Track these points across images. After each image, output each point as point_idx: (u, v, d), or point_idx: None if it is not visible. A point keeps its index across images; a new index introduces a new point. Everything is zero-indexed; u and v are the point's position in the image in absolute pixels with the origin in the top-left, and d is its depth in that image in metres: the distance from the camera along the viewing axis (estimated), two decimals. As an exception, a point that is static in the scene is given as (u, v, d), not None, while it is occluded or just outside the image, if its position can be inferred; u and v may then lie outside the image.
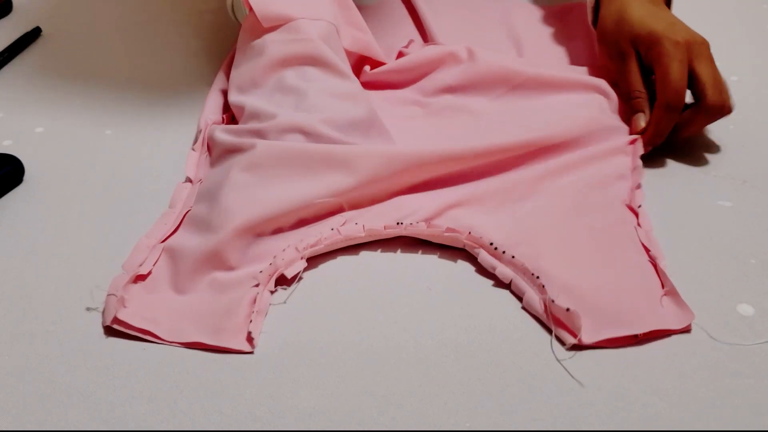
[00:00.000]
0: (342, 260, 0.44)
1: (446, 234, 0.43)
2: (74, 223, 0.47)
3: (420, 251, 0.44)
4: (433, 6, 0.69)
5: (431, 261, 0.44)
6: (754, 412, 0.34)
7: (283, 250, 0.42)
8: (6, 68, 0.67)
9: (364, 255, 0.44)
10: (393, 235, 0.44)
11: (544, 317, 0.39)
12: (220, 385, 0.36)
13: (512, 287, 0.41)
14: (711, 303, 0.40)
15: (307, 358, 0.38)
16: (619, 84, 0.55)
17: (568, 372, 0.36)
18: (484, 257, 0.42)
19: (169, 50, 0.68)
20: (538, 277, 0.40)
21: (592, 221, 0.45)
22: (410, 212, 0.45)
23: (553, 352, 0.37)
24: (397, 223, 0.44)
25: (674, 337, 0.38)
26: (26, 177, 0.52)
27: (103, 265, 0.44)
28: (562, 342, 0.38)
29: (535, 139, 0.49)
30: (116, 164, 0.52)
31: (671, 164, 0.52)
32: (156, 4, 0.77)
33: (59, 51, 0.69)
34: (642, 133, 0.52)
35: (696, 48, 0.51)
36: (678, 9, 0.60)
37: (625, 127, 0.53)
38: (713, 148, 0.54)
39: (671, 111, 0.50)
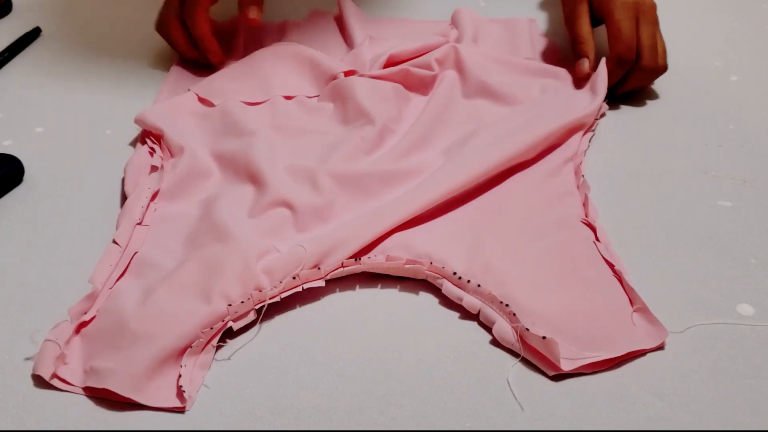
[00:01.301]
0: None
1: (407, 266, 0.41)
2: (74, 223, 0.47)
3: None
4: (367, 30, 0.66)
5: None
6: (754, 412, 0.34)
7: (241, 302, 0.38)
8: (6, 68, 0.67)
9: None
10: (351, 273, 0.42)
11: (516, 347, 0.37)
12: (221, 385, 0.36)
13: (480, 317, 0.39)
14: (711, 303, 0.40)
15: (307, 358, 0.38)
16: (567, 28, 0.60)
17: (515, 397, 0.36)
18: (449, 288, 0.40)
19: (169, 50, 0.68)
20: (507, 305, 0.38)
21: (549, 242, 0.43)
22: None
23: (508, 383, 0.36)
24: (355, 260, 0.41)
25: (674, 337, 0.38)
26: (26, 177, 0.52)
27: (103, 265, 0.44)
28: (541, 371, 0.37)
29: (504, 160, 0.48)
30: (116, 164, 0.52)
31: (671, 164, 0.52)
32: (156, 4, 0.77)
33: (59, 51, 0.69)
34: (586, 77, 0.57)
35: (643, 9, 0.56)
36: (678, 8, 0.60)
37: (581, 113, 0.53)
38: (713, 148, 0.54)
39: (621, 65, 0.55)
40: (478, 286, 0.40)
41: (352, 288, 0.42)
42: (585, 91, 0.56)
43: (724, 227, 0.46)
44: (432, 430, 0.34)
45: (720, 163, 0.52)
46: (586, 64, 0.57)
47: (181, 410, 0.35)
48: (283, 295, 0.40)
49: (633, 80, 0.57)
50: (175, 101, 0.56)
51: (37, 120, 0.58)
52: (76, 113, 0.59)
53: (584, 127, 0.53)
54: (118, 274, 0.42)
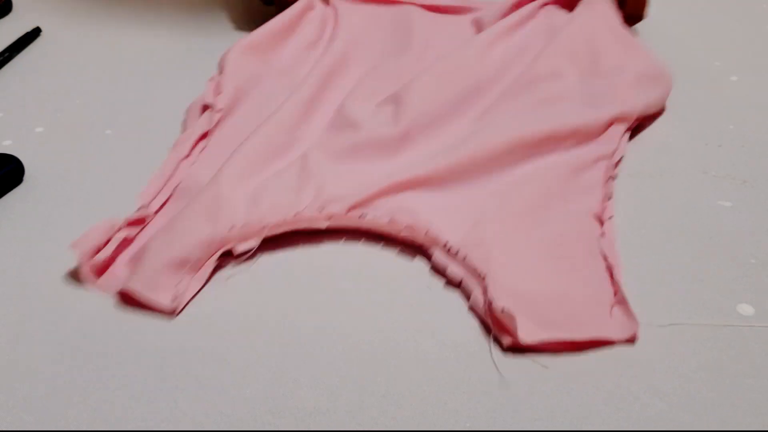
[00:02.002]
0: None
1: (405, 230, 0.44)
2: (74, 223, 0.47)
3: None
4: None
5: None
6: (754, 412, 0.34)
7: (242, 226, 0.42)
8: (6, 68, 0.67)
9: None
10: (354, 226, 0.45)
11: (486, 317, 0.39)
12: (220, 385, 0.36)
13: (462, 286, 0.41)
14: (711, 303, 0.40)
15: (307, 358, 0.38)
16: None
17: (499, 370, 0.36)
18: (438, 256, 0.43)
19: (169, 50, 0.68)
20: (483, 278, 0.40)
21: (551, 231, 0.44)
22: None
23: (492, 354, 0.37)
24: (359, 216, 0.44)
25: (674, 337, 0.38)
26: (26, 177, 0.52)
27: (103, 265, 0.44)
28: (500, 343, 0.38)
29: (525, 136, 0.49)
30: (116, 164, 0.52)
31: (671, 164, 0.52)
32: (156, 4, 0.77)
33: (59, 51, 0.69)
34: None
35: None
36: (678, 8, 0.60)
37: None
38: (713, 148, 0.54)
39: None
40: (464, 258, 0.42)
41: (357, 239, 0.45)
42: (634, 84, 0.56)
43: (724, 227, 0.46)
44: (432, 430, 0.34)
45: (720, 163, 0.52)
46: None
47: (171, 313, 0.39)
48: (285, 228, 0.43)
49: None
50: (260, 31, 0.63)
51: (37, 120, 0.59)
52: (76, 113, 0.59)
53: (624, 121, 0.53)
54: (161, 201, 0.47)
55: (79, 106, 0.60)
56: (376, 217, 0.44)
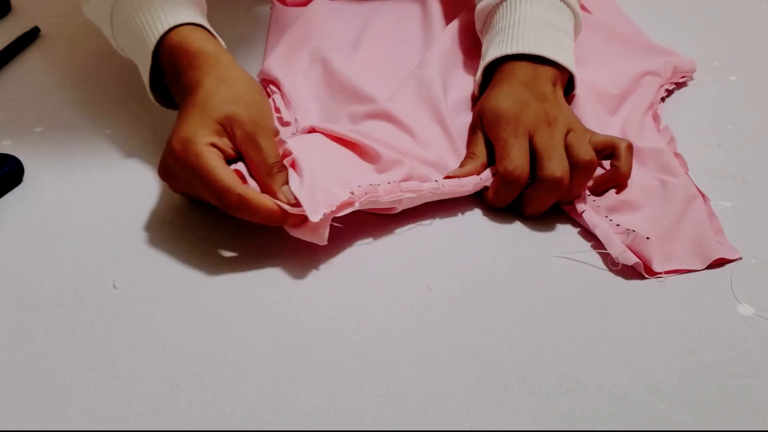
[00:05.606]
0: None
1: None
2: (74, 223, 0.47)
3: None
4: None
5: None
6: (754, 412, 0.34)
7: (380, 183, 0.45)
8: (6, 68, 0.67)
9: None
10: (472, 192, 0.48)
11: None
12: (220, 385, 0.36)
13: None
14: (711, 303, 0.40)
15: (307, 358, 0.38)
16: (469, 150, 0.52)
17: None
18: (588, 213, 0.46)
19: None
20: (617, 225, 0.45)
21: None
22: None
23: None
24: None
25: (674, 337, 0.38)
26: (26, 177, 0.51)
27: (104, 264, 0.44)
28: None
29: None
30: (116, 164, 0.52)
31: (671, 164, 0.52)
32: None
33: (59, 51, 0.69)
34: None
35: (538, 125, 0.48)
36: (676, 8, 0.60)
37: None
38: (713, 148, 0.54)
39: (508, 184, 0.47)
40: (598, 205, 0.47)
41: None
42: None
43: (724, 227, 0.46)
44: (432, 430, 0.34)
45: (720, 163, 0.52)
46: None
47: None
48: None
49: (537, 197, 0.47)
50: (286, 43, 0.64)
51: (37, 120, 0.58)
52: (76, 113, 0.59)
53: (656, 75, 0.60)
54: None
55: (79, 106, 0.60)
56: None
